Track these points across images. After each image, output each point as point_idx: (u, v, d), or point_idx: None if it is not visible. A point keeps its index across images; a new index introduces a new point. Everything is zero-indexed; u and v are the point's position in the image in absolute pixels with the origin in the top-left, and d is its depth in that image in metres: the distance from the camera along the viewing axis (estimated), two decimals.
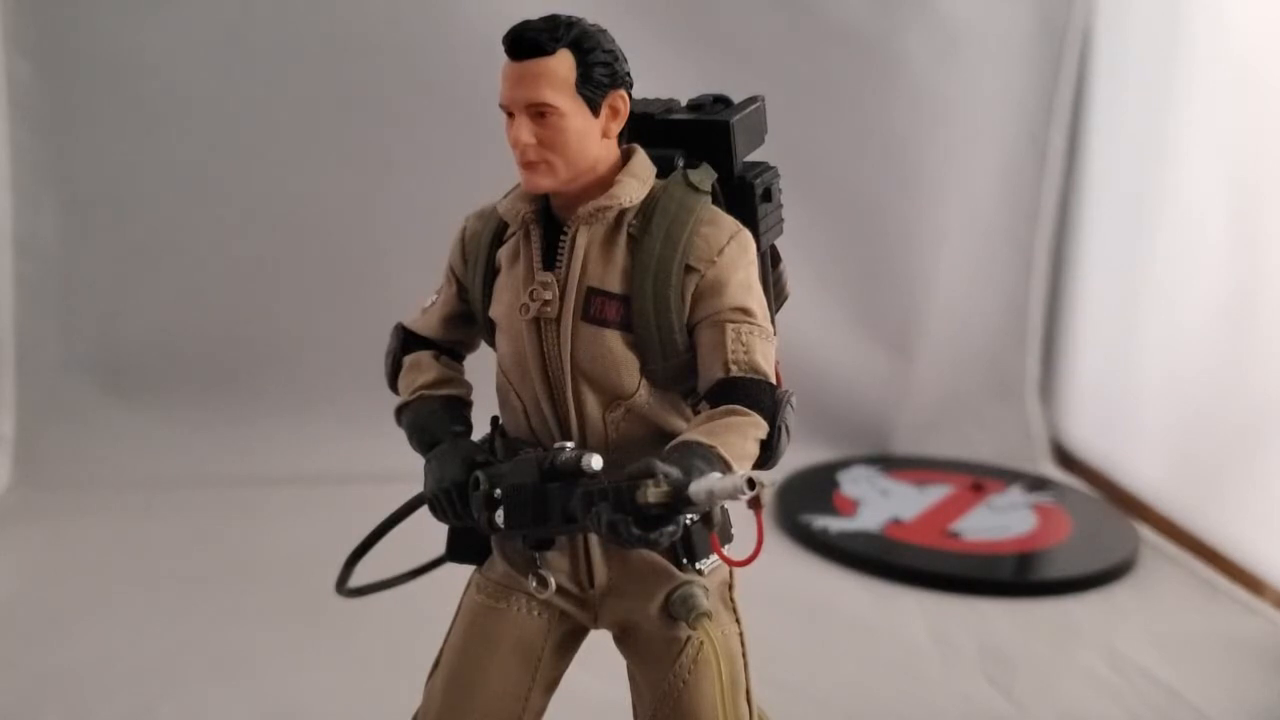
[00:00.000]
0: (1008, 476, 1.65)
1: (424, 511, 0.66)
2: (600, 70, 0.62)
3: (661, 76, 0.72)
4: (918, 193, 1.72)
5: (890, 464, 1.69)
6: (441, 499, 0.64)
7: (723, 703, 0.66)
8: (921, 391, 1.77)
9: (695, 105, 0.70)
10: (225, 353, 1.65)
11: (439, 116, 1.58)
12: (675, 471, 0.54)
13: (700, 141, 0.68)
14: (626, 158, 0.65)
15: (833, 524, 1.46)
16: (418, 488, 0.66)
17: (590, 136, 0.62)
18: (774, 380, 0.63)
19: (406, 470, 0.69)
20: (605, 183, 0.63)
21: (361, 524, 0.74)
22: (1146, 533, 1.50)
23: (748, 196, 0.68)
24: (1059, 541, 1.45)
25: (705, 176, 0.66)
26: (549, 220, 0.65)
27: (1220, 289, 1.48)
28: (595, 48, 0.62)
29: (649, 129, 0.68)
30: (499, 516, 0.61)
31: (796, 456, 1.55)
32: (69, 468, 1.56)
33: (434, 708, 0.69)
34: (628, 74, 0.63)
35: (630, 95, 0.64)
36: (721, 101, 0.70)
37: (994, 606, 1.29)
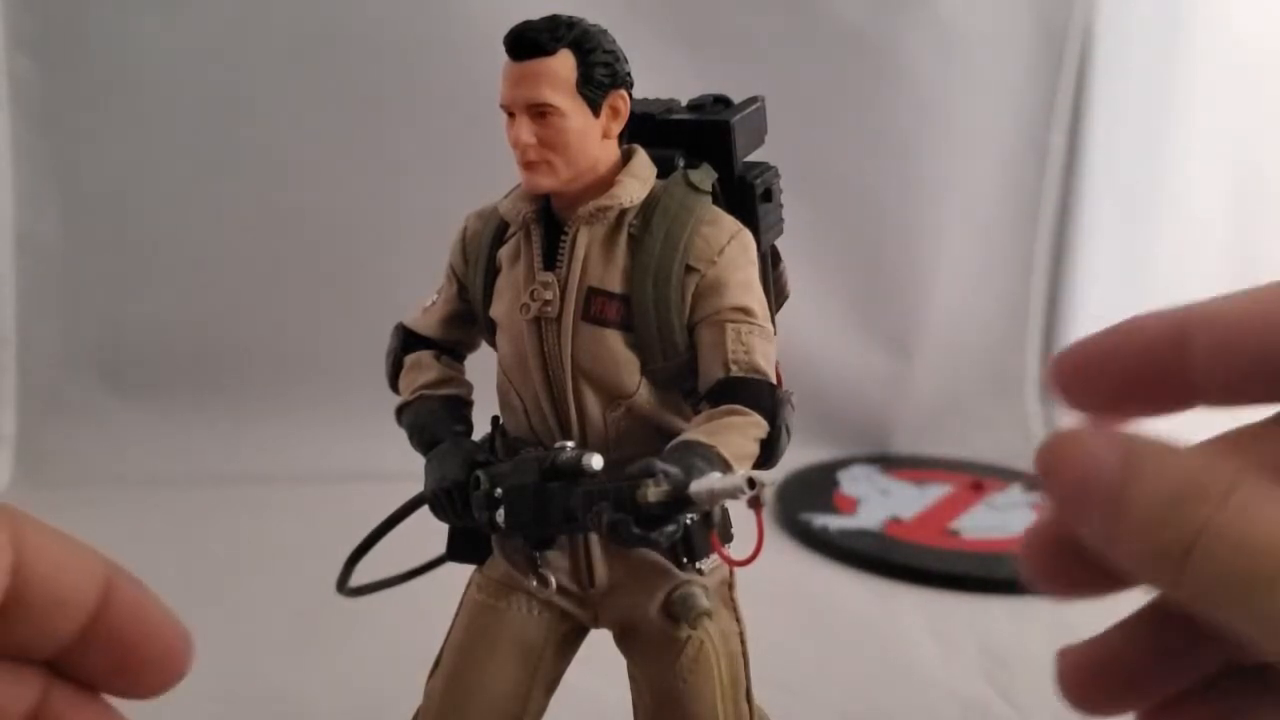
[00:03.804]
0: (1007, 475, 1.65)
1: (424, 511, 0.66)
2: (601, 70, 0.62)
3: (662, 76, 0.72)
4: (918, 193, 1.72)
5: (890, 463, 1.69)
6: (442, 498, 0.64)
7: (723, 702, 0.66)
8: (921, 391, 1.77)
9: (695, 105, 0.70)
10: (226, 351, 1.65)
11: (440, 116, 1.58)
12: (676, 471, 0.55)
13: (700, 141, 0.68)
14: (627, 158, 0.65)
15: (833, 522, 1.46)
16: (418, 488, 0.66)
17: (591, 136, 0.62)
18: (774, 380, 0.63)
19: (406, 470, 0.69)
20: (606, 183, 0.63)
21: (361, 524, 0.74)
22: None
23: (748, 196, 0.68)
24: None
25: (705, 176, 0.66)
26: (549, 220, 0.65)
27: (1220, 289, 1.48)
28: (596, 48, 0.62)
29: (649, 129, 0.68)
30: (499, 516, 0.61)
31: (796, 455, 1.54)
32: (70, 465, 1.56)
33: (434, 707, 0.69)
34: (628, 74, 0.64)
35: (631, 95, 0.64)
36: (721, 102, 0.70)
37: (993, 604, 1.29)
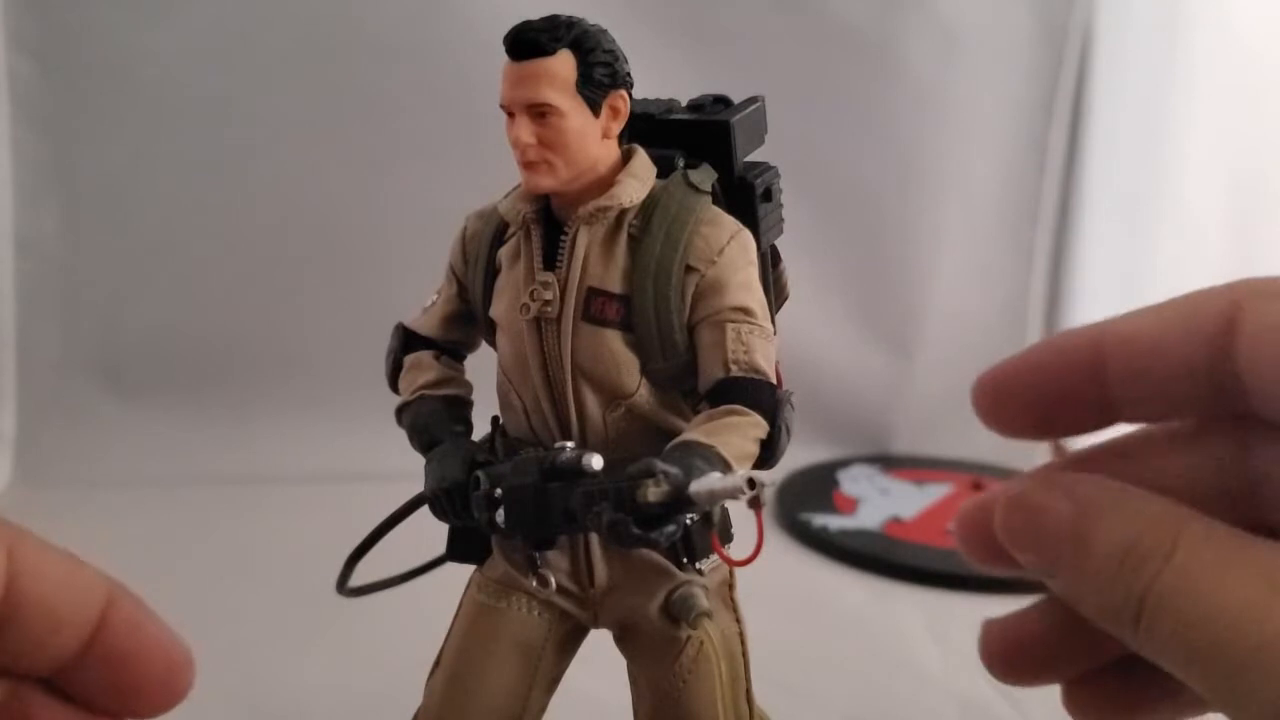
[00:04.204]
0: (1007, 475, 1.64)
1: (424, 511, 0.66)
2: (601, 70, 0.62)
3: (662, 76, 0.72)
4: (918, 193, 1.72)
5: (890, 463, 1.69)
6: (442, 498, 0.64)
7: (723, 702, 0.67)
8: (921, 391, 1.77)
9: (695, 105, 0.70)
10: (226, 352, 1.65)
11: (440, 117, 1.58)
12: (675, 471, 0.55)
13: (700, 141, 0.68)
14: (627, 158, 0.65)
15: (833, 522, 1.46)
16: (418, 488, 0.66)
17: (590, 136, 0.62)
18: (774, 380, 0.63)
19: (406, 470, 0.69)
20: (606, 183, 0.63)
21: (361, 524, 0.74)
22: None
23: (748, 196, 0.68)
24: None
25: (705, 176, 0.66)
26: (549, 220, 0.65)
27: None
28: (595, 48, 0.62)
29: (649, 129, 0.68)
30: (499, 516, 0.61)
31: (796, 455, 1.54)
32: (69, 466, 1.56)
33: (434, 707, 0.69)
34: (628, 74, 0.64)
35: (631, 95, 0.64)
36: (721, 102, 0.70)
37: (993, 604, 1.28)
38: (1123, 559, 0.32)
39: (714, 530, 0.60)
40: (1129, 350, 0.35)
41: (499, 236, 0.67)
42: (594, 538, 0.66)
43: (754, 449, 0.60)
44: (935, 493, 1.58)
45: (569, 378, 0.64)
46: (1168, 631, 0.31)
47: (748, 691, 0.68)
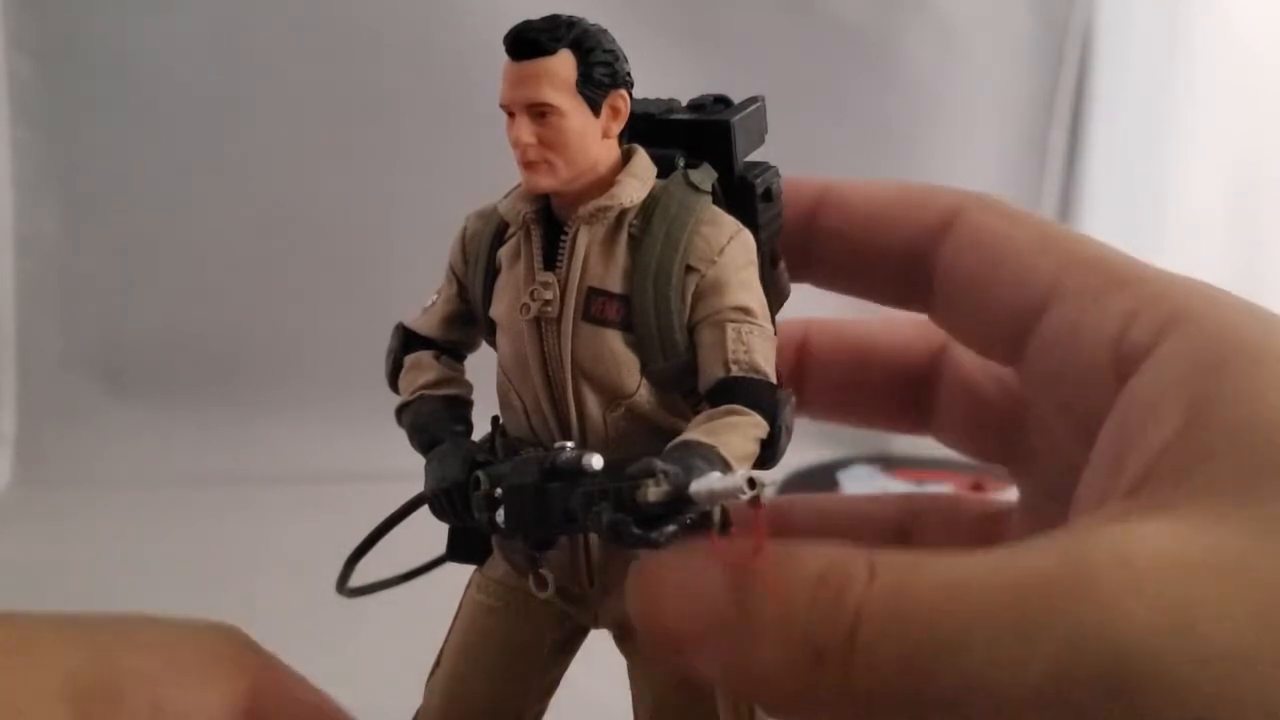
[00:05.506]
0: (1008, 475, 1.64)
1: (424, 511, 0.66)
2: (601, 70, 0.62)
3: (662, 76, 0.72)
4: None
5: (890, 463, 1.68)
6: (442, 498, 0.63)
7: (723, 702, 0.66)
8: None
9: (695, 105, 0.70)
10: (227, 351, 1.65)
11: (440, 116, 1.58)
12: (676, 470, 0.54)
13: (700, 141, 0.68)
14: (627, 158, 0.65)
15: None
16: (418, 488, 0.66)
17: (591, 136, 0.62)
18: (774, 380, 0.63)
19: (406, 470, 0.69)
20: (606, 183, 0.63)
21: (361, 524, 0.74)
22: None
23: (748, 196, 0.68)
24: None
25: (706, 176, 0.66)
26: (550, 220, 0.65)
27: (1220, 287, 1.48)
28: (596, 47, 0.62)
29: (649, 129, 0.68)
30: (499, 516, 0.61)
31: (797, 455, 1.54)
32: (70, 465, 1.56)
33: (434, 707, 0.69)
34: (628, 74, 0.63)
35: (631, 95, 0.64)
36: (722, 101, 0.70)
37: None
38: (816, 588, 0.29)
39: (714, 531, 0.60)
40: (845, 209, 0.35)
41: (499, 236, 0.67)
42: (594, 538, 0.66)
43: (754, 449, 0.60)
44: (935, 493, 1.57)
45: (569, 378, 0.63)
46: (892, 671, 0.28)
47: None
